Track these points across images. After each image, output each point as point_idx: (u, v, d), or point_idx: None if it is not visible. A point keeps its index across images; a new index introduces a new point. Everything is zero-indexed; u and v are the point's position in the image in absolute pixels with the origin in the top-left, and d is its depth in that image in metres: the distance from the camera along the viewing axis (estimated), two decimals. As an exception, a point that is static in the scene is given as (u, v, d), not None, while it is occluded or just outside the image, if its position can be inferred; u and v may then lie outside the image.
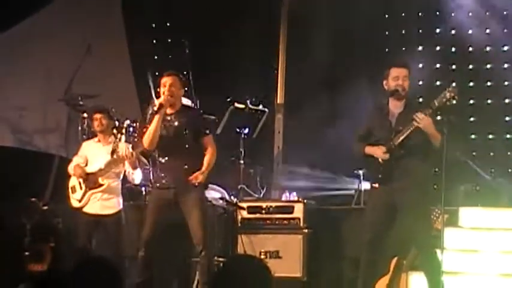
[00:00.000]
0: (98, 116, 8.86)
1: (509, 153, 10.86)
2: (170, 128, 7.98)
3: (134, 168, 8.55)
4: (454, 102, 7.24)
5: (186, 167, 7.91)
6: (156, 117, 7.87)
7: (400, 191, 7.37)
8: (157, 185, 8.09)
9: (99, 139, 8.93)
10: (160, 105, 7.87)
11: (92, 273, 3.35)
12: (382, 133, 7.51)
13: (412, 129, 7.29)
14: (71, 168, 8.86)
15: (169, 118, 8.01)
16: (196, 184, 7.84)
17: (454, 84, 7.33)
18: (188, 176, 7.86)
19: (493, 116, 10.94)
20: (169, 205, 7.96)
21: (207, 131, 8.07)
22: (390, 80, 7.49)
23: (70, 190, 8.85)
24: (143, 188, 9.90)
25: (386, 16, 11.41)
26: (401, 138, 7.35)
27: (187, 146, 7.96)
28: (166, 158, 8.01)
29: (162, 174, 8.02)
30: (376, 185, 7.54)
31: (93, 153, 8.84)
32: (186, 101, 9.50)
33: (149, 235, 7.90)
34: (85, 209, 8.74)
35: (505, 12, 10.80)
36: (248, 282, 3.73)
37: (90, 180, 8.72)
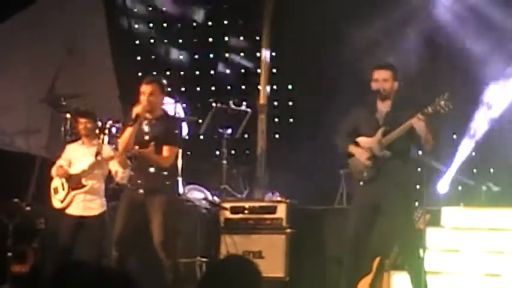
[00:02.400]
0: (82, 120, 8.84)
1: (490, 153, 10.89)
2: (143, 132, 7.97)
3: (124, 167, 8.49)
4: (447, 110, 7.26)
5: (152, 170, 7.88)
6: (130, 129, 7.86)
7: (384, 191, 7.39)
8: (129, 185, 8.11)
9: (83, 141, 8.90)
10: (137, 116, 7.85)
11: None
12: (368, 130, 7.54)
13: (406, 127, 7.30)
14: (53, 170, 8.84)
15: (146, 122, 7.99)
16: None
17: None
18: (155, 180, 7.86)
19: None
20: (139, 206, 7.95)
21: (171, 142, 7.95)
22: (373, 82, 7.55)
23: (52, 191, 8.82)
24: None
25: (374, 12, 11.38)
26: (394, 137, 7.38)
27: (156, 150, 7.92)
28: (138, 160, 8.01)
29: (134, 175, 8.03)
30: (361, 183, 7.55)
31: (77, 155, 8.81)
32: (168, 100, 9.51)
33: (120, 235, 7.89)
34: (68, 211, 8.71)
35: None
36: (238, 283, 3.74)
37: (73, 181, 8.70)
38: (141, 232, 8.08)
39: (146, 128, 7.97)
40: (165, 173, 7.90)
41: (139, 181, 7.95)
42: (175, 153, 8.07)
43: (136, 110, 7.86)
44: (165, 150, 7.89)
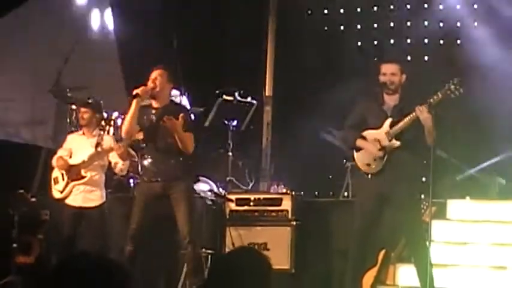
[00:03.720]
0: (82, 110, 8.86)
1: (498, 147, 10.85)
2: (153, 122, 7.96)
3: (124, 159, 8.51)
4: (458, 94, 7.27)
5: (172, 161, 7.88)
6: (133, 106, 7.84)
7: (391, 183, 7.40)
8: (145, 178, 8.07)
9: (83, 132, 8.90)
10: (136, 94, 7.84)
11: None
12: (375, 122, 7.56)
13: (412, 118, 7.32)
14: (54, 160, 8.83)
15: (154, 112, 7.99)
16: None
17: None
18: (175, 170, 7.85)
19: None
20: (158, 199, 7.94)
21: (185, 129, 7.93)
22: (380, 76, 7.56)
23: (52, 181, 8.83)
24: (131, 180, 9.88)
25: (375, 9, 11.39)
26: (401, 128, 7.39)
27: (170, 139, 7.91)
28: (153, 152, 7.99)
29: (150, 167, 8.00)
30: (368, 176, 7.54)
31: (77, 146, 8.81)
32: (174, 92, 9.49)
33: (136, 229, 7.87)
34: (68, 201, 8.71)
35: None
36: (248, 275, 3.73)
37: (73, 172, 8.69)
38: (157, 225, 8.10)
39: (155, 118, 7.96)
40: (185, 164, 7.89)
41: (158, 174, 7.92)
42: (192, 139, 8.05)
43: (137, 90, 7.85)
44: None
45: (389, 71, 7.53)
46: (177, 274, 8.71)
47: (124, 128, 7.97)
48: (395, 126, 7.43)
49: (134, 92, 7.87)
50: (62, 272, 3.12)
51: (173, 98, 8.73)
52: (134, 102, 7.85)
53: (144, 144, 8.16)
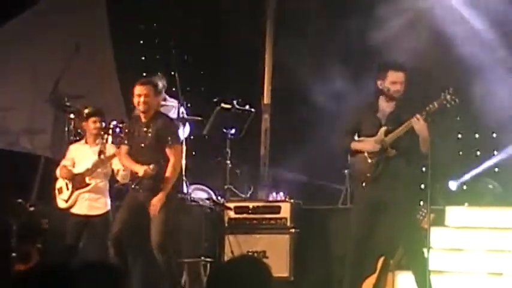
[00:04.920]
0: (95, 119, 8.79)
1: (496, 152, 10.87)
2: (141, 134, 8.00)
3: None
4: (453, 104, 7.22)
5: (155, 169, 7.89)
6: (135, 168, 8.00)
7: (388, 190, 7.39)
8: (132, 186, 8.14)
9: (86, 141, 8.90)
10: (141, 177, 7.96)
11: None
12: (370, 129, 7.52)
13: (407, 126, 7.28)
14: (58, 171, 8.84)
15: (141, 124, 8.03)
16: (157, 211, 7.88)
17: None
18: (154, 180, 7.87)
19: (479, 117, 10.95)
20: (140, 207, 7.99)
21: (170, 142, 8.00)
22: (388, 83, 7.41)
23: (57, 191, 8.83)
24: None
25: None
26: (396, 136, 7.36)
27: (153, 152, 7.96)
28: (136, 160, 8.04)
29: (134, 176, 8.07)
30: (363, 185, 7.54)
31: (80, 155, 8.81)
32: (171, 102, 9.53)
33: (117, 232, 7.93)
34: (73, 210, 8.72)
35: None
36: (248, 283, 3.73)
37: (77, 181, 8.70)
38: (142, 232, 8.10)
39: (145, 128, 8.00)
40: (161, 175, 7.93)
41: (139, 185, 7.97)
42: (180, 151, 8.09)
43: (140, 173, 7.91)
44: (170, 154, 7.92)
45: (399, 80, 7.40)
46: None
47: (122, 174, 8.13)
48: (391, 134, 7.40)
49: (141, 174, 7.93)
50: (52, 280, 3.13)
51: (170, 107, 8.78)
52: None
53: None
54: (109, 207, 8.76)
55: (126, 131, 8.28)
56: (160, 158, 7.97)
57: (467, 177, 10.11)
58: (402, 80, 7.42)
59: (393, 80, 7.42)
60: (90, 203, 8.69)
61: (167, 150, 7.97)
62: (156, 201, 7.84)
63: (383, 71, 7.47)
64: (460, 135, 10.95)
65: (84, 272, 3.15)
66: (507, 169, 10.21)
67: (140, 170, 7.89)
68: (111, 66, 11.82)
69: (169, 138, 8.00)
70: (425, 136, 7.24)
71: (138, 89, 7.97)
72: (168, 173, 7.92)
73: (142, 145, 8.02)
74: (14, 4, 10.99)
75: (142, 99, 7.92)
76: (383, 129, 7.43)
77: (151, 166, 7.81)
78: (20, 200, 9.69)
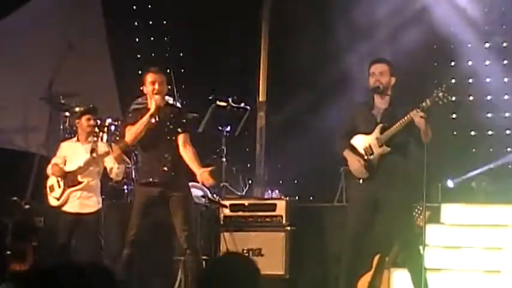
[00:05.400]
0: (91, 117, 8.77)
1: (491, 149, 10.89)
2: (151, 124, 7.92)
3: (119, 162, 8.45)
4: (446, 101, 7.21)
5: (166, 168, 7.83)
6: (145, 118, 7.82)
7: (383, 187, 7.38)
8: (143, 181, 7.98)
9: (78, 138, 8.86)
10: (159, 108, 7.83)
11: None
12: (366, 127, 7.52)
13: (405, 122, 7.27)
14: (48, 168, 8.79)
15: (151, 113, 7.98)
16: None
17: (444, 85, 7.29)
18: (172, 170, 7.81)
19: (474, 113, 10.97)
20: (156, 203, 7.89)
21: (182, 130, 7.93)
22: (369, 77, 7.52)
23: (48, 189, 8.77)
24: (125, 186, 9.87)
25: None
26: (392, 133, 7.35)
27: (167, 141, 7.90)
28: (148, 153, 7.94)
29: (147, 170, 7.95)
30: (360, 181, 7.53)
31: (72, 153, 8.76)
32: (167, 99, 9.50)
33: (135, 235, 7.79)
34: (65, 208, 8.67)
35: (486, 9, 10.84)
36: (236, 281, 3.73)
37: (69, 178, 8.65)
38: (154, 230, 8.07)
39: (153, 120, 7.94)
40: (180, 170, 7.88)
41: (154, 178, 7.88)
42: (188, 139, 8.03)
43: (157, 101, 7.82)
44: (183, 142, 7.86)
45: (378, 70, 7.46)
46: (171, 280, 8.71)
47: (132, 138, 7.90)
48: (387, 131, 7.40)
49: (156, 105, 7.81)
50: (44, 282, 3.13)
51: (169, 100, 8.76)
52: (151, 116, 7.82)
53: (138, 147, 8.11)
54: (100, 205, 8.71)
55: (132, 122, 8.12)
56: (172, 147, 7.89)
57: (466, 176, 10.13)
58: (382, 70, 7.46)
59: (372, 71, 7.49)
60: (81, 201, 8.65)
61: (180, 138, 7.93)
62: (209, 175, 7.79)
63: (368, 68, 7.55)
64: (455, 132, 10.97)
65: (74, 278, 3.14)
66: (503, 167, 10.25)
67: (152, 103, 7.86)
68: (107, 63, 11.81)
69: (182, 125, 7.93)
70: (425, 128, 7.22)
71: (153, 76, 7.89)
72: (195, 158, 7.84)
73: (153, 134, 7.92)
74: (6, 2, 10.96)
75: (157, 86, 7.88)
76: (379, 126, 7.44)
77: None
78: (15, 198, 9.68)
